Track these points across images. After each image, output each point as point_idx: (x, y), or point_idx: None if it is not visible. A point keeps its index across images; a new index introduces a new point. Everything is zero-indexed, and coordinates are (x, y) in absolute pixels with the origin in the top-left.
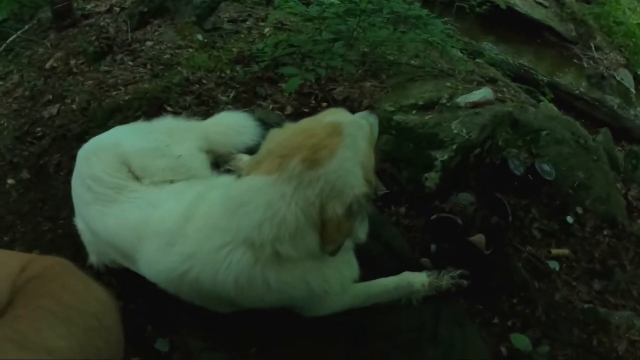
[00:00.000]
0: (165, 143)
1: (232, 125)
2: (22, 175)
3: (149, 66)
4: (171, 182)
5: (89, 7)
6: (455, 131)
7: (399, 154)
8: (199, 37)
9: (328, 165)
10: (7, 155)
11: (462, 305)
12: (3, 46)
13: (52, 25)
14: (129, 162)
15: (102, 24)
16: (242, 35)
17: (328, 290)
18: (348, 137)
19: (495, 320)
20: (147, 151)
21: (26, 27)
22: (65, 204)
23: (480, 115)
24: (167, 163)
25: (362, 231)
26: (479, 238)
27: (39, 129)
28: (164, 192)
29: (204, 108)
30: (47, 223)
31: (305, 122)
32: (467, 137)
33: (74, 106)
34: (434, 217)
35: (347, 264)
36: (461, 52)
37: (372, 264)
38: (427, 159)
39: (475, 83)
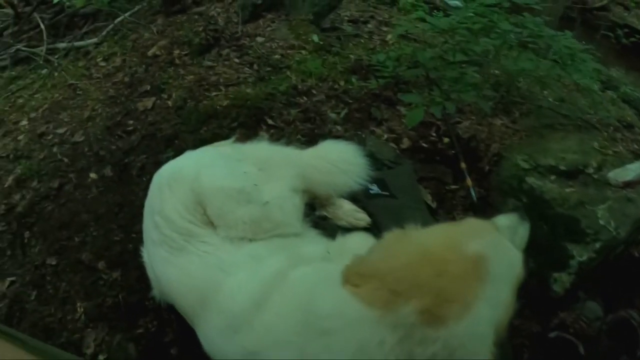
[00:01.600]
0: (254, 180)
1: (336, 161)
2: (105, 171)
3: (255, 66)
4: (250, 240)
5: None
6: (601, 222)
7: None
8: (315, 38)
9: (454, 327)
10: (94, 145)
11: None
12: (111, 26)
13: (161, 9)
14: (206, 203)
15: (211, 13)
16: (362, 40)
17: None
18: (492, 286)
19: None
20: (229, 192)
21: (136, 8)
22: (140, 216)
23: (633, 205)
24: (250, 213)
25: None
26: None
27: (130, 121)
28: (239, 254)
29: (309, 126)
30: (120, 233)
31: (436, 242)
32: (614, 233)
33: (169, 102)
34: (553, 334)
35: None
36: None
37: None
38: (562, 254)
39: (622, 146)
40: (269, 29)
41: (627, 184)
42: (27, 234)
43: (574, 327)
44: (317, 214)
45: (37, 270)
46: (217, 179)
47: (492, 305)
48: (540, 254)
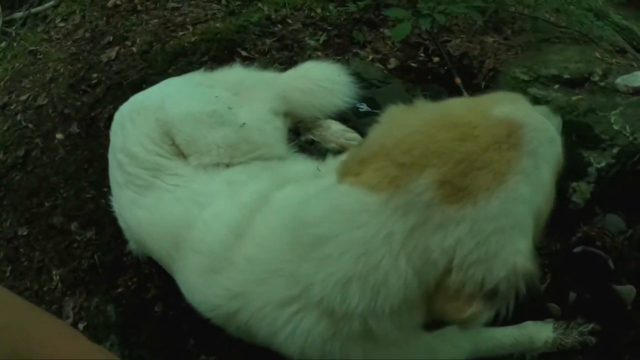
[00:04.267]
0: (227, 103)
1: (319, 80)
2: (71, 129)
3: (223, 2)
4: (227, 165)
5: None
6: (615, 127)
7: None
8: None
9: (485, 203)
10: (59, 105)
11: None
12: None
13: None
14: (173, 131)
15: None
16: None
17: None
18: (529, 158)
19: None
20: (199, 116)
21: None
22: None
23: None
24: (225, 136)
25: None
26: (628, 290)
27: (94, 75)
28: (215, 182)
29: (287, 54)
30: (91, 189)
31: (457, 107)
32: (631, 138)
33: (134, 49)
34: (578, 249)
35: (467, 336)
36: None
37: None
38: (578, 162)
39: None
40: None
41: (637, 91)
42: None
43: (600, 240)
44: (303, 139)
45: (10, 244)
46: (184, 104)
47: (530, 182)
48: None
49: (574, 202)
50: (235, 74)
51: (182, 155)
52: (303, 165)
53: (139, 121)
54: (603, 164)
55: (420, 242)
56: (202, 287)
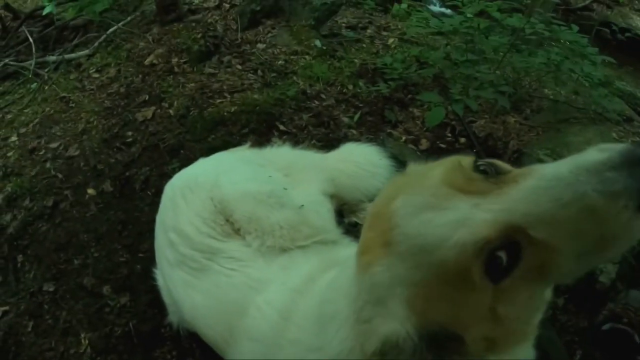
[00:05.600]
0: (282, 184)
1: (362, 163)
2: (104, 186)
3: (259, 72)
4: (285, 250)
5: (196, 1)
6: None
7: None
8: (317, 43)
9: (361, 277)
10: (91, 159)
11: None
12: (103, 37)
13: (155, 19)
14: (231, 209)
15: (209, 20)
16: (364, 45)
17: None
18: (395, 257)
19: None
20: (259, 197)
21: (128, 18)
22: (148, 233)
23: None
24: (286, 218)
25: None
26: None
27: (129, 133)
28: (271, 268)
29: (323, 130)
30: (125, 253)
31: (392, 186)
32: None
33: (171, 111)
34: (606, 326)
35: None
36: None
37: None
38: None
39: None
40: (269, 35)
41: None
42: (20, 257)
43: (626, 316)
44: (347, 221)
45: (33, 298)
46: (240, 183)
47: (392, 277)
48: None
49: (601, 282)
50: (285, 155)
51: (234, 235)
52: (352, 249)
53: (191, 198)
54: None
55: (354, 305)
56: None
